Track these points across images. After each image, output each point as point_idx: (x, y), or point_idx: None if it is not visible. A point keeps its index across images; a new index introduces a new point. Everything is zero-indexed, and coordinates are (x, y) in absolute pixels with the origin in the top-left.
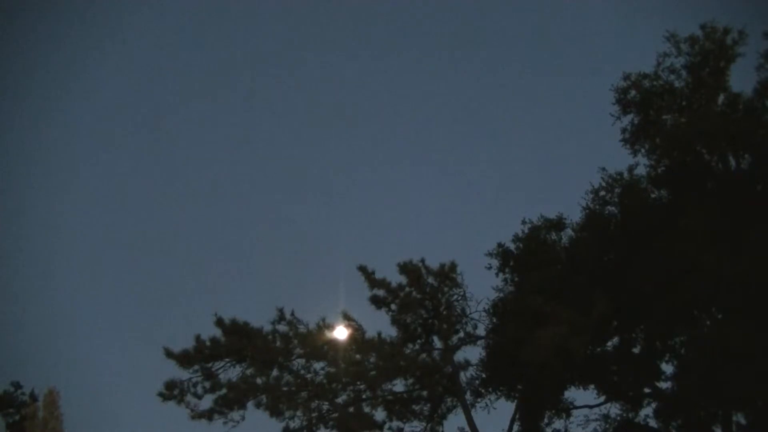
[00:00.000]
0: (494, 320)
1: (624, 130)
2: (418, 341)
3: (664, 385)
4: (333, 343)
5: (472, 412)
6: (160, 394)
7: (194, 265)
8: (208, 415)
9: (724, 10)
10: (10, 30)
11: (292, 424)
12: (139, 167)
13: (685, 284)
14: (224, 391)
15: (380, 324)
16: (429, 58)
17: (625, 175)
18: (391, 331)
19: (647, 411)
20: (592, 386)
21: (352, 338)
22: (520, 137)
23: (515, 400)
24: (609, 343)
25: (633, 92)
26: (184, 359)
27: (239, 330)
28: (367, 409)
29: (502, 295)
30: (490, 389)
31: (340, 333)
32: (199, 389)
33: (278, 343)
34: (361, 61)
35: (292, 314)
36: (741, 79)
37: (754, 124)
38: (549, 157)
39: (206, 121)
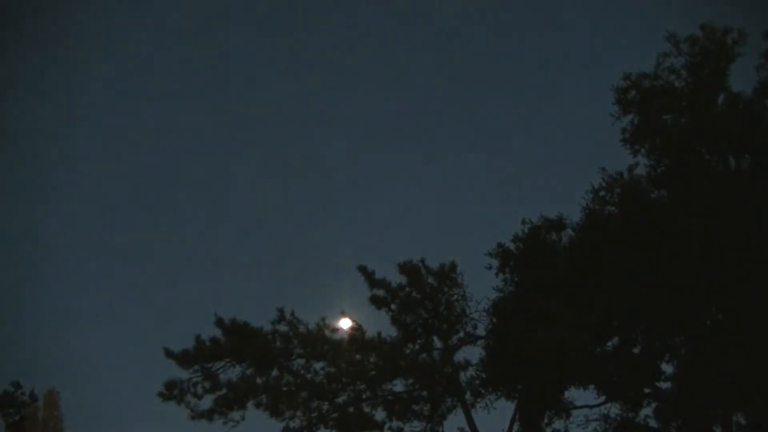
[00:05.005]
0: (494, 320)
1: (624, 130)
2: (418, 341)
3: (664, 385)
4: (333, 343)
5: (472, 412)
6: (160, 394)
7: (194, 265)
8: (208, 415)
9: (724, 10)
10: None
11: (292, 424)
12: (139, 166)
13: (685, 284)
14: (224, 391)
15: (380, 324)
16: (429, 58)
17: (625, 175)
18: (391, 331)
19: (647, 411)
20: (592, 386)
21: (352, 338)
22: (521, 137)
23: (515, 400)
24: (609, 343)
25: (633, 92)
26: (184, 359)
27: (239, 330)
28: (367, 409)
29: (502, 295)
30: (490, 389)
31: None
32: (199, 389)
33: (278, 343)
34: (360, 62)
35: (292, 314)
36: (741, 79)
37: (754, 124)
38: (549, 157)
39: (206, 120)
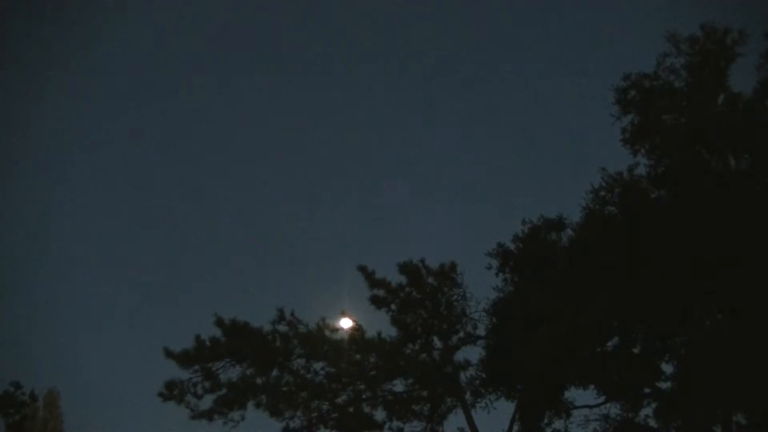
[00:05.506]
0: (494, 320)
1: (624, 130)
2: (418, 341)
3: (664, 385)
4: (333, 343)
5: (472, 412)
6: (160, 394)
7: (194, 265)
8: (208, 415)
9: (724, 10)
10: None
11: (292, 424)
12: (139, 166)
13: (685, 284)
14: (224, 391)
15: (380, 324)
16: (429, 59)
17: (625, 175)
18: (391, 331)
19: (647, 411)
20: (592, 386)
21: (352, 338)
22: (521, 137)
23: (515, 400)
24: (609, 343)
25: (633, 92)
26: (184, 359)
27: (239, 330)
28: (367, 409)
29: (502, 295)
30: (490, 389)
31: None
32: (199, 389)
33: (278, 343)
34: (360, 63)
35: (292, 314)
36: (741, 79)
37: (753, 124)
38: (549, 157)
39: (207, 120)
